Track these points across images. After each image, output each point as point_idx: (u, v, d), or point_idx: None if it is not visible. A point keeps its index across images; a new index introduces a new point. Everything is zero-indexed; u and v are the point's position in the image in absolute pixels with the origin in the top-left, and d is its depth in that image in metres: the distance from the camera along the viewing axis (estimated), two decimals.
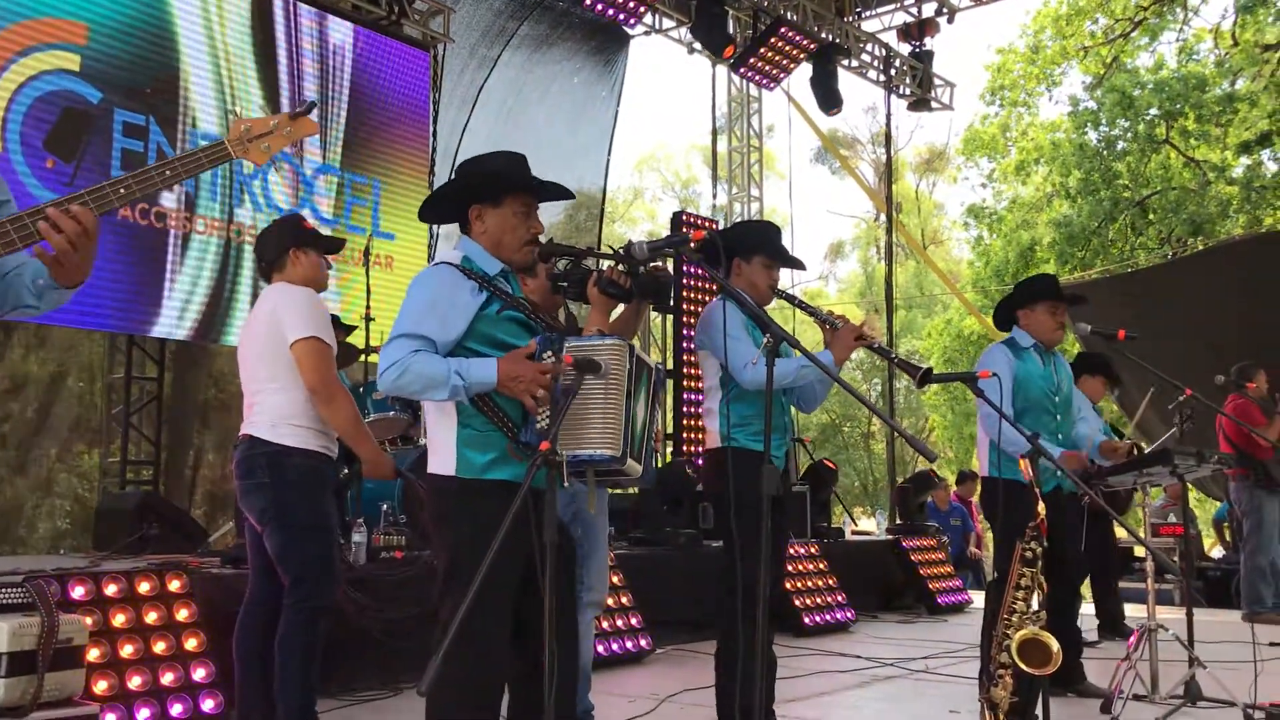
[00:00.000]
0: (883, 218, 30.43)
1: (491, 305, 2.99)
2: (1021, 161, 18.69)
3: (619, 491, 10.96)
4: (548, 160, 12.52)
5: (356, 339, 6.64)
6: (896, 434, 3.57)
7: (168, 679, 4.24)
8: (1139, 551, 10.79)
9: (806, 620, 7.43)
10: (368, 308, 6.95)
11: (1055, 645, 3.21)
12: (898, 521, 10.20)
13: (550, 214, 14.12)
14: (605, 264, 3.34)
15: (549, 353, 2.93)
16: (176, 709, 4.21)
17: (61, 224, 2.13)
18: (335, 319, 6.76)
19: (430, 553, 5.28)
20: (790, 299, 4.22)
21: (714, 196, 13.70)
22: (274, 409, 3.84)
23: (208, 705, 4.30)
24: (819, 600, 7.67)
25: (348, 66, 9.40)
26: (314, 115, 2.61)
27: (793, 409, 4.25)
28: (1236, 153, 15.69)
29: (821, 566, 7.98)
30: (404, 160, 9.84)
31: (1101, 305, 11.64)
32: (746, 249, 4.07)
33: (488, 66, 11.37)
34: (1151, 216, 16.11)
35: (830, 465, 9.85)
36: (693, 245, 4.23)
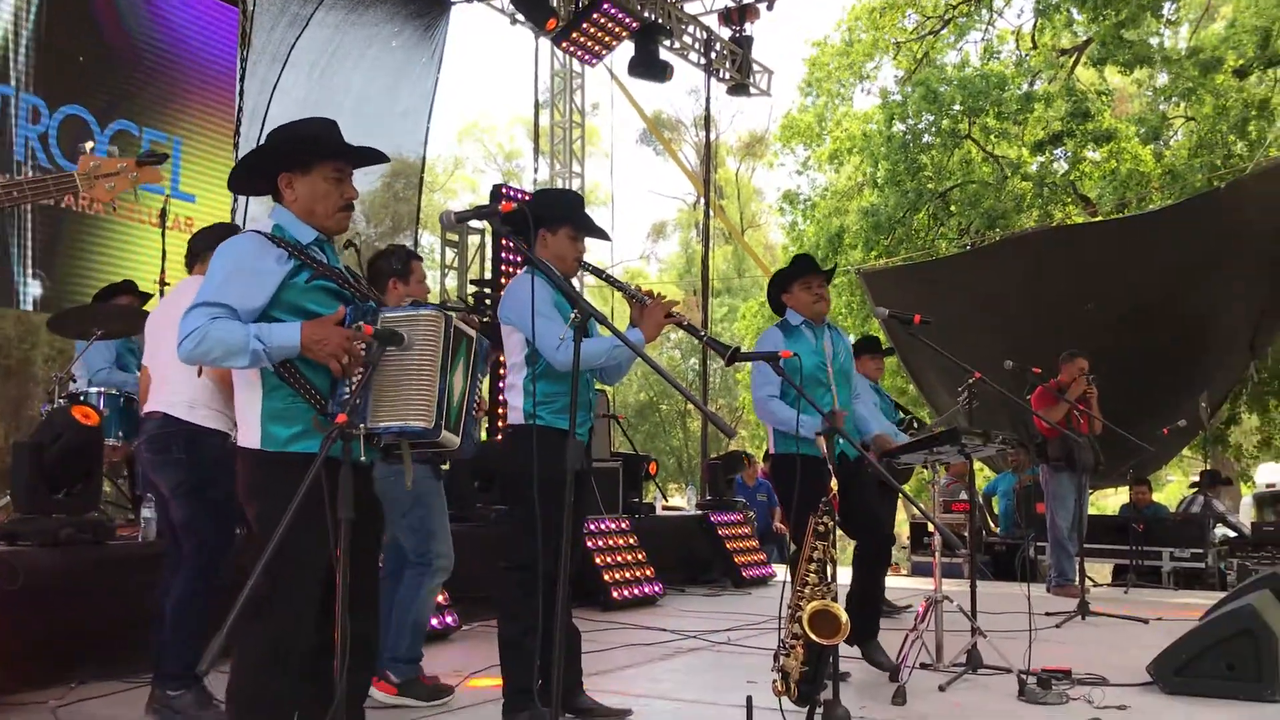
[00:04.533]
0: (703, 200, 31.03)
1: (301, 274, 2.92)
2: (835, 150, 19.27)
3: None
4: (365, 125, 12.11)
5: (154, 307, 6.29)
6: (709, 416, 3.65)
7: None
8: (932, 527, 11.34)
9: (615, 594, 7.50)
10: (162, 271, 6.60)
11: (844, 617, 3.31)
12: (708, 497, 10.40)
13: (367, 182, 13.68)
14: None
15: (360, 323, 2.85)
16: None
17: None
18: (131, 285, 6.44)
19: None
20: (598, 273, 4.21)
21: (535, 171, 13.60)
22: (190, 392, 4.06)
23: None
24: (628, 575, 7.74)
25: (148, 17, 8.87)
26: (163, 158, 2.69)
27: (596, 383, 4.24)
28: (1032, 150, 16.60)
29: (631, 541, 8.06)
30: (208, 119, 9.38)
31: (903, 291, 12.18)
32: (552, 220, 4.03)
33: (300, 25, 10.91)
34: (953, 209, 16.90)
35: (652, 470, 9.85)
36: (501, 216, 4.21)
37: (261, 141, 3.16)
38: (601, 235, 4.31)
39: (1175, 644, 4.82)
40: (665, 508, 10.77)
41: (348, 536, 2.66)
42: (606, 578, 7.54)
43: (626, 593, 7.62)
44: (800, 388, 4.00)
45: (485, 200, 14.56)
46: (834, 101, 19.85)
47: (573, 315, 3.08)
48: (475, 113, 47.00)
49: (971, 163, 17.17)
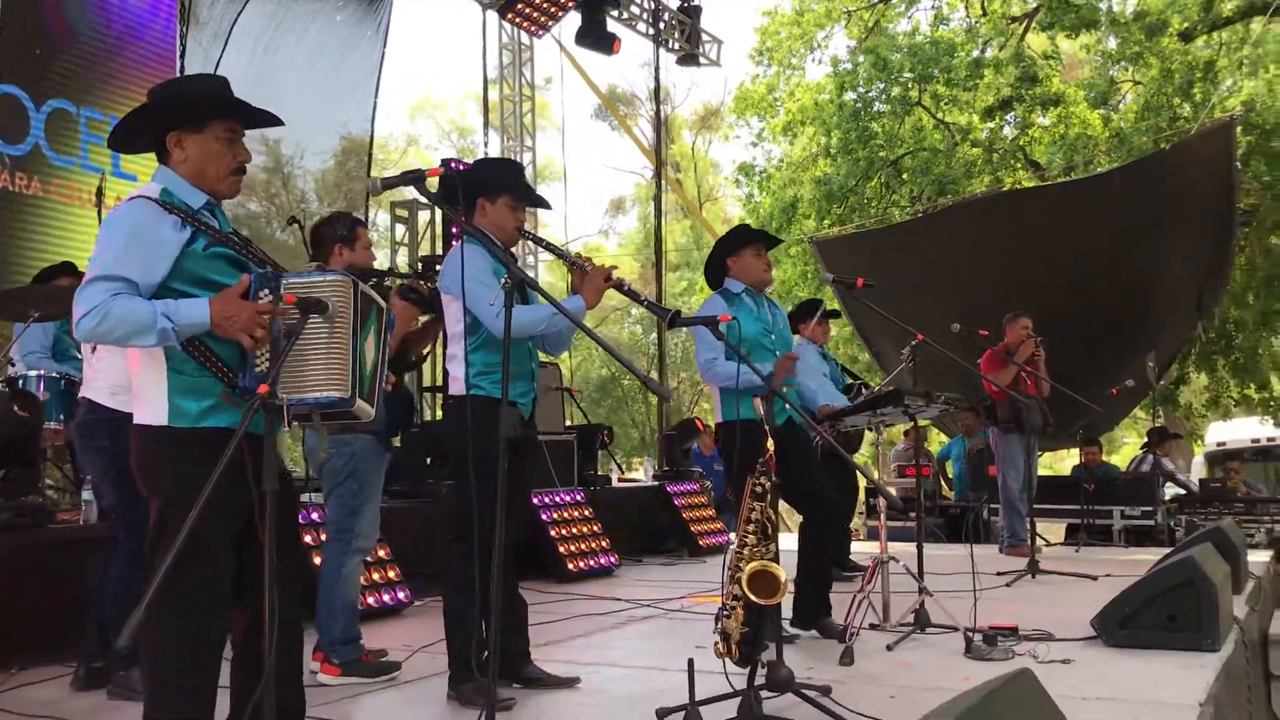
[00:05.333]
0: (655, 173, 30.93)
1: (197, 241, 2.80)
2: (789, 122, 19.25)
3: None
4: (311, 102, 11.95)
5: None
6: (642, 378, 3.62)
7: None
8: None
9: (570, 566, 7.50)
10: None
11: (783, 576, 3.32)
12: (665, 468, 10.42)
13: (319, 161, 13.51)
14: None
15: (265, 291, 2.77)
16: None
17: None
18: (71, 266, 6.32)
19: None
20: (537, 240, 4.19)
21: (485, 146, 13.48)
22: (111, 376, 4.05)
23: None
24: (583, 547, 7.75)
25: None
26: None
27: (541, 354, 4.22)
28: (982, 116, 16.67)
29: (587, 514, 8.06)
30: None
31: (855, 258, 12.21)
32: (491, 188, 4.00)
33: (241, 1, 10.74)
34: (905, 176, 16.95)
35: (608, 439, 9.87)
36: (439, 181, 4.17)
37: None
38: (542, 204, 4.29)
39: (1118, 597, 4.89)
40: (622, 479, 10.79)
41: (273, 510, 2.62)
42: (562, 550, 7.54)
43: (582, 565, 7.63)
44: (740, 351, 4.00)
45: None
46: (786, 72, 19.81)
47: (503, 280, 3.05)
48: (427, 89, 46.52)
49: (922, 130, 17.22)
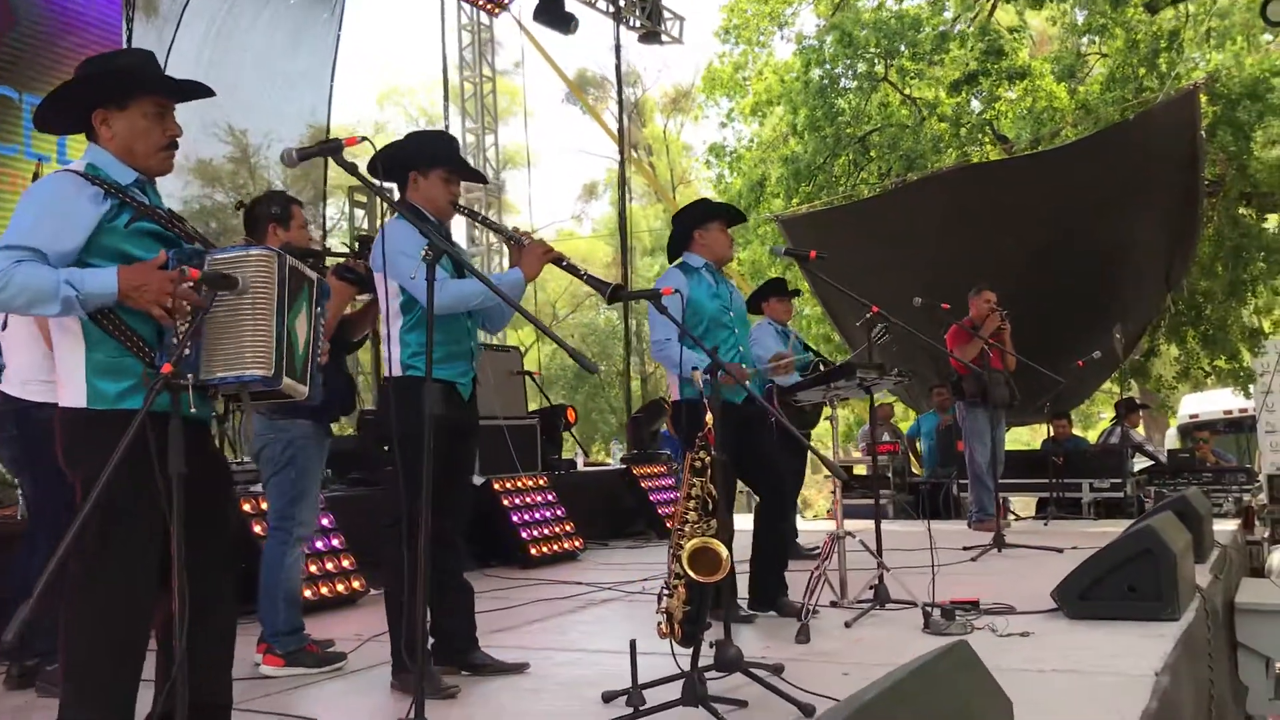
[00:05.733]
0: (634, 156, 30.71)
1: (120, 216, 2.71)
2: (757, 101, 19.11)
3: (341, 433, 10.55)
4: (269, 89, 11.75)
5: None
6: (571, 353, 3.50)
7: None
8: (859, 470, 11.38)
9: (534, 551, 7.40)
10: None
11: (724, 552, 3.23)
12: (633, 451, 10.32)
13: (277, 150, 13.30)
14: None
15: (186, 266, 2.66)
16: None
17: None
18: None
19: None
20: (473, 215, 4.07)
21: (445, 128, 13.30)
22: (21, 368, 4.05)
23: None
24: (546, 532, 7.64)
25: None
26: None
27: (481, 333, 4.10)
28: (949, 91, 16.58)
29: (550, 498, 7.95)
30: None
31: (822, 236, 12.13)
32: (424, 161, 3.88)
33: None
34: (872, 153, 16.84)
35: (571, 418, 9.77)
36: (377, 157, 4.04)
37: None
38: (478, 178, 4.17)
39: (1078, 569, 4.83)
40: (588, 463, 10.69)
41: (180, 494, 2.51)
42: (524, 535, 7.43)
43: (545, 550, 7.52)
44: (684, 326, 3.89)
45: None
46: (754, 50, 19.66)
47: (423, 251, 2.93)
48: (394, 76, 46.14)
49: (889, 106, 17.11)
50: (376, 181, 3.12)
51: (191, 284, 2.61)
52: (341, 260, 4.26)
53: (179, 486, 2.51)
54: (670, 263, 5.20)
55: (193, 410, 2.60)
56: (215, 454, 2.98)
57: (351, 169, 2.95)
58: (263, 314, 2.68)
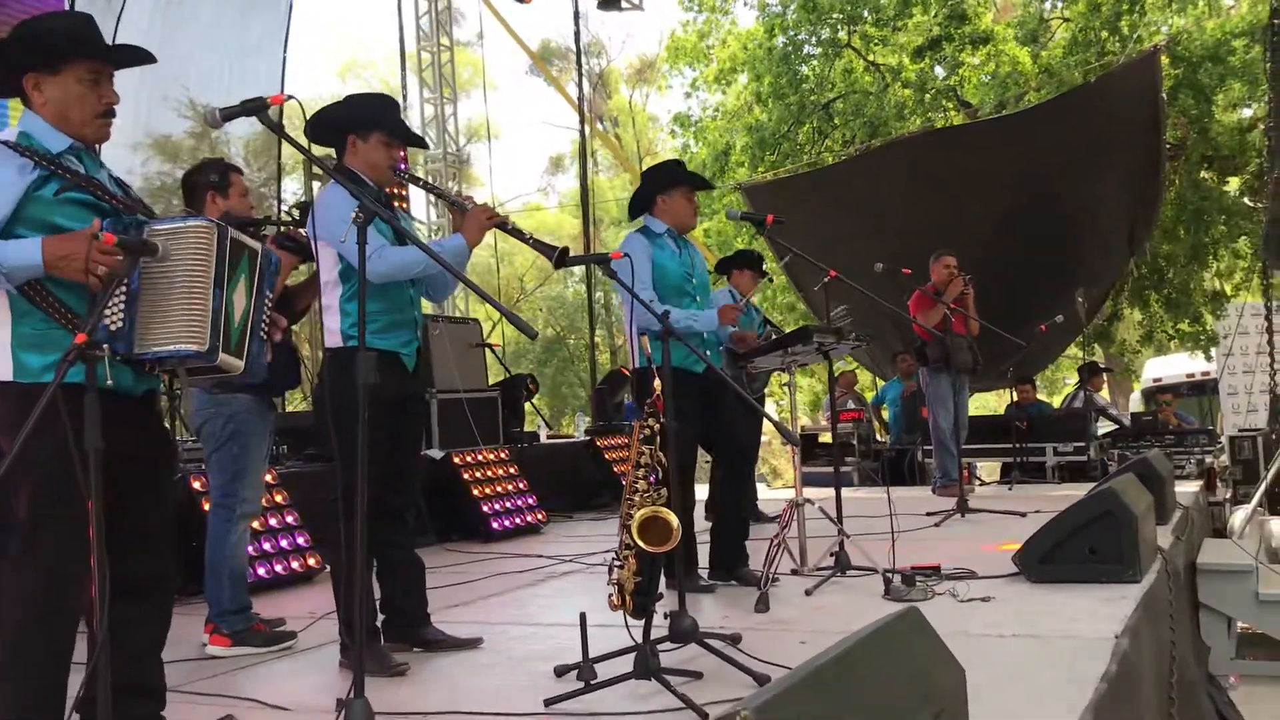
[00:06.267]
0: (599, 127, 30.46)
1: (48, 185, 2.60)
2: (721, 70, 18.95)
3: (298, 409, 10.42)
4: (219, 58, 11.48)
5: None
6: (510, 317, 3.38)
7: None
8: (824, 438, 11.36)
9: (495, 525, 7.31)
10: None
11: (675, 522, 3.15)
12: (597, 423, 10.24)
13: (248, 123, 12.94)
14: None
15: (102, 232, 2.55)
16: None
17: None
18: None
19: None
20: (414, 180, 3.95)
21: (404, 99, 13.08)
22: None
23: None
24: (508, 505, 7.55)
25: None
26: None
27: (425, 302, 3.99)
28: (912, 57, 16.48)
29: (512, 471, 7.86)
30: None
31: (786, 204, 12.04)
32: (362, 125, 3.75)
33: None
34: (836, 120, 16.73)
35: (532, 386, 9.69)
36: (314, 125, 3.90)
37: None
38: (418, 142, 4.04)
39: (1039, 532, 4.79)
40: (551, 436, 10.60)
41: (98, 471, 2.40)
42: (485, 509, 7.34)
43: (507, 523, 7.43)
44: (634, 291, 3.79)
45: None
46: (717, 18, 19.47)
47: (354, 214, 2.81)
48: (354, 48, 45.49)
49: (853, 72, 16.98)
50: (304, 143, 2.99)
51: (109, 250, 2.50)
52: (282, 229, 4.12)
53: (96, 463, 2.40)
54: (631, 219, 5.10)
55: (109, 383, 2.48)
56: (159, 430, 2.87)
57: (278, 129, 2.82)
58: (198, 287, 2.58)
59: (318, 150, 3.81)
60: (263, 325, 2.85)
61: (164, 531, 2.89)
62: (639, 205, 5.04)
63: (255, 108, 2.82)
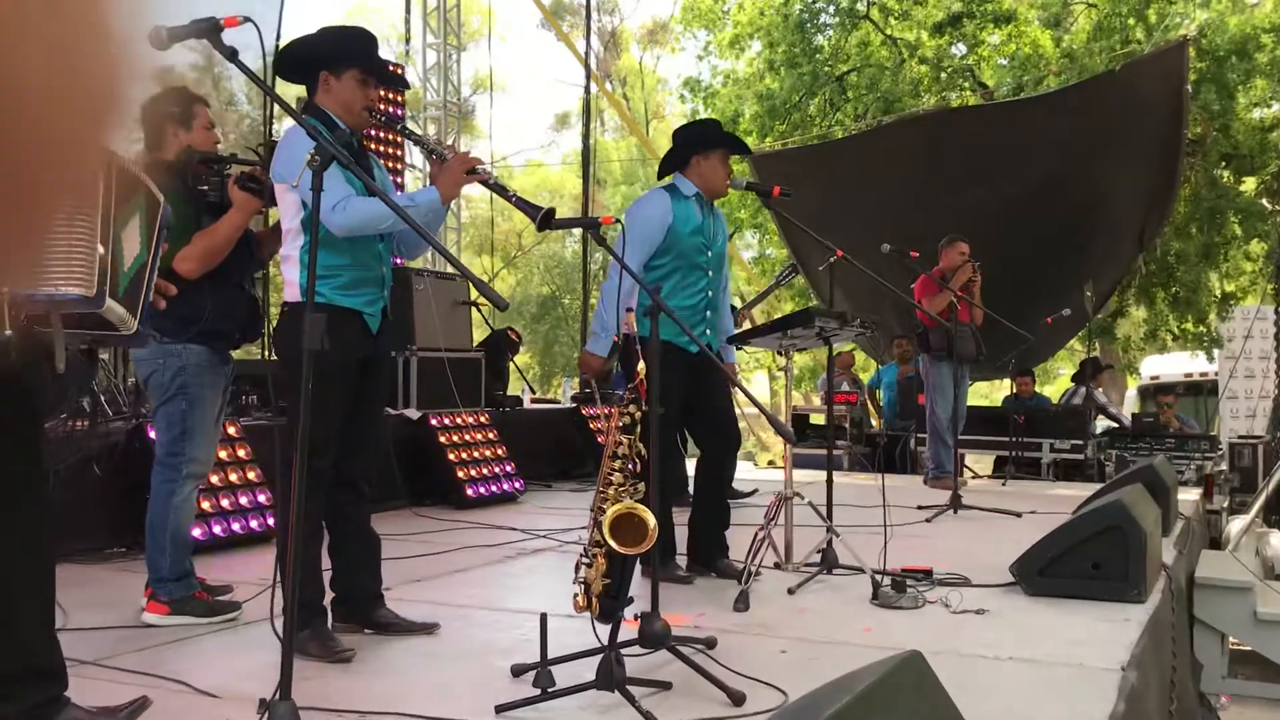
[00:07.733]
0: (607, 87, 29.88)
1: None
2: (736, 35, 18.51)
3: (268, 359, 10.03)
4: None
5: None
6: (479, 285, 3.09)
7: None
8: (815, 419, 11.07)
9: (469, 492, 7.03)
10: None
11: (652, 521, 2.85)
12: (585, 390, 9.93)
13: (251, 59, 12.52)
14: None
15: None
16: None
17: None
18: None
19: None
20: (391, 123, 3.60)
21: (406, 48, 12.67)
22: None
23: None
24: (484, 471, 7.27)
25: None
26: None
27: (391, 257, 3.66)
28: (931, 33, 16.05)
29: (491, 436, 7.57)
30: None
31: (794, 176, 11.66)
32: (337, 60, 3.42)
33: None
34: (850, 93, 16.32)
35: (514, 335, 9.44)
36: (286, 61, 3.57)
37: None
38: (398, 82, 3.71)
39: (1040, 542, 4.50)
40: (535, 400, 10.30)
41: None
42: (460, 475, 7.05)
43: (483, 490, 7.15)
44: (624, 261, 3.48)
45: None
46: None
47: (309, 156, 2.49)
48: None
49: (869, 45, 16.54)
50: (254, 72, 2.65)
51: None
52: (247, 170, 3.78)
53: None
54: (660, 177, 4.75)
55: (6, 332, 2.16)
56: (28, 384, 2.53)
57: (231, 54, 2.49)
58: (83, 224, 2.20)
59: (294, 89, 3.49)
60: (153, 276, 2.51)
61: (34, 493, 2.56)
62: (671, 164, 4.70)
63: (206, 29, 2.49)
